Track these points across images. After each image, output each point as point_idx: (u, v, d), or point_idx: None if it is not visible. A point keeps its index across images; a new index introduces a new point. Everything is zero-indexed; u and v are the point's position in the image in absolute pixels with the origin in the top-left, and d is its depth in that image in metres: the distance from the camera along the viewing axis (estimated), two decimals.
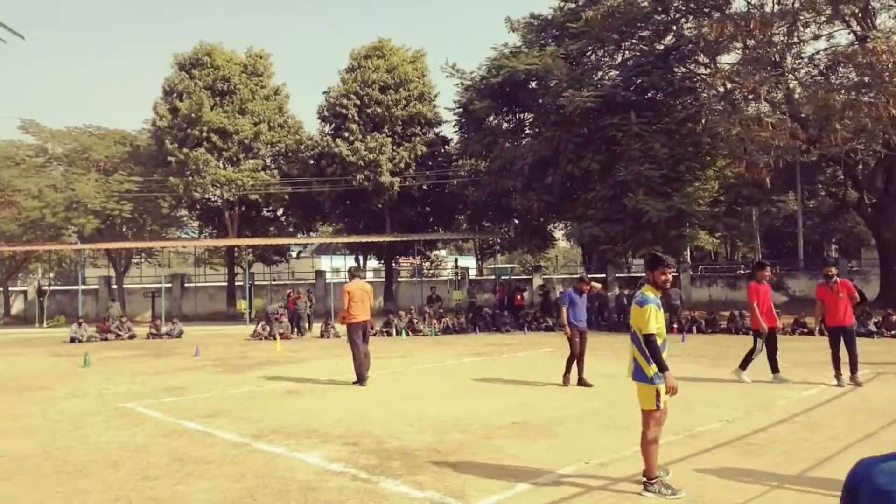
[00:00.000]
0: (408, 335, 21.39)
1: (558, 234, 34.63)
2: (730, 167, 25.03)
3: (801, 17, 21.75)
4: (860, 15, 21.48)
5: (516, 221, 29.31)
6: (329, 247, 48.07)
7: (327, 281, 33.48)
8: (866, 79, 20.51)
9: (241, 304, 29.75)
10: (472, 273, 40.08)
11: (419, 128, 31.18)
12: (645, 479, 5.07)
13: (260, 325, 21.66)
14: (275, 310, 22.38)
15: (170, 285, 33.61)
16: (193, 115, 29.09)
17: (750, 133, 20.93)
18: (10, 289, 35.08)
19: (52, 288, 35.26)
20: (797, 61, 24.19)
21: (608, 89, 23.78)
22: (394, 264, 34.95)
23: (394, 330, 21.79)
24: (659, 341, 5.11)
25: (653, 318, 5.10)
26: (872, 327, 17.33)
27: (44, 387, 11.24)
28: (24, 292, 35.66)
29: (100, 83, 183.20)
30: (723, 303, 26.70)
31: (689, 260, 36.72)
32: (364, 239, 31.36)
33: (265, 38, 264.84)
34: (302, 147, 32.23)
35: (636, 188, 22.00)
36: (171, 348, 18.37)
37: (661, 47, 25.31)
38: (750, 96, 23.58)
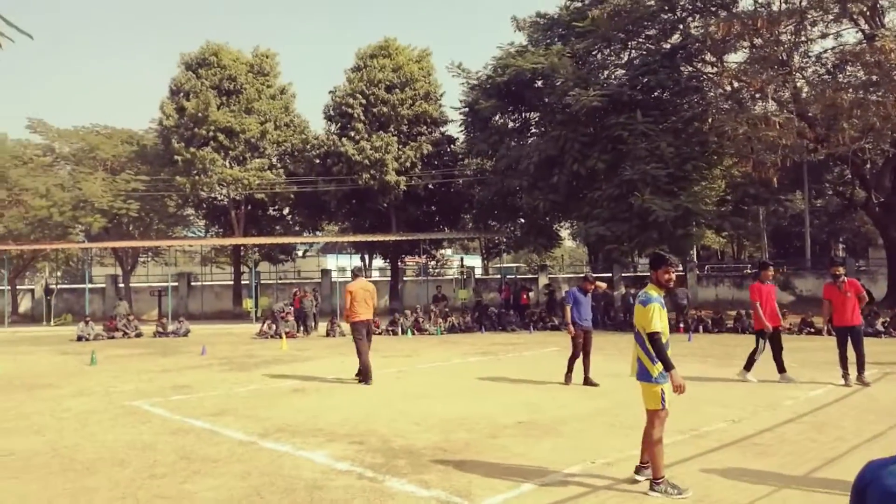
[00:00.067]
0: (413, 334, 21.40)
1: (564, 233, 34.61)
2: (737, 166, 24.94)
3: (809, 16, 21.66)
4: (868, 13, 21.37)
5: (522, 221, 29.31)
6: (335, 246, 48.15)
7: (333, 280, 33.54)
8: (874, 77, 20.41)
9: (248, 303, 29.82)
10: (478, 272, 40.13)
11: (425, 127, 31.20)
12: (651, 479, 5.06)
13: (266, 324, 21.70)
14: (281, 308, 22.43)
15: (176, 284, 33.72)
16: (200, 114, 29.18)
17: (757, 132, 20.87)
18: (17, 287, 35.26)
19: (59, 286, 35.46)
20: (804, 60, 24.10)
21: (614, 88, 23.74)
22: (399, 263, 34.98)
23: (399, 329, 21.80)
24: (663, 340, 5.10)
25: (656, 317, 5.08)
26: (880, 327, 17.24)
27: (51, 385, 11.29)
28: (32, 291, 35.85)
29: (106, 83, 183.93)
30: (729, 302, 26.63)
31: (695, 259, 36.62)
32: (370, 238, 31.40)
33: (271, 37, 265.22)
34: (308, 146, 32.29)
35: (642, 187, 21.95)
36: (177, 347, 18.42)
37: (668, 46, 25.25)
38: (757, 95, 23.51)
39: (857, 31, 22.90)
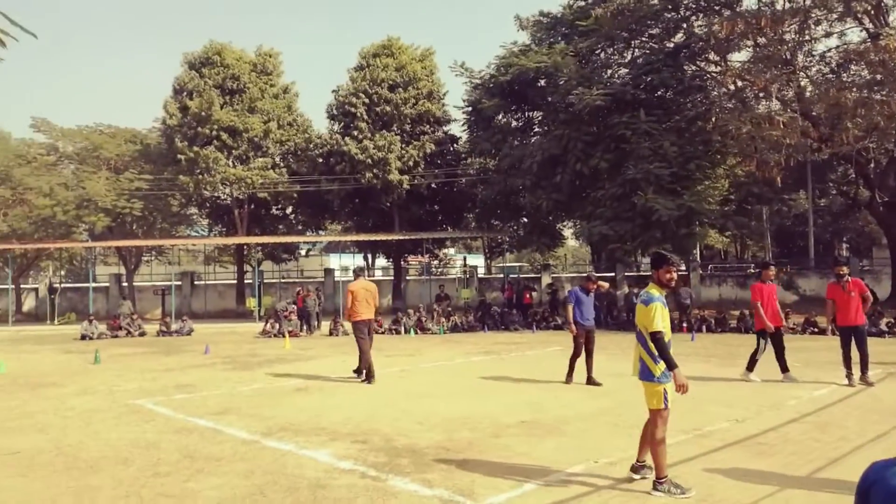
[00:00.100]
0: (416, 333, 21.42)
1: (567, 232, 34.57)
2: (740, 165, 24.90)
3: (813, 15, 21.60)
4: (873, 12, 21.31)
5: (525, 220, 29.27)
6: (338, 245, 48.21)
7: (336, 279, 33.57)
8: (879, 76, 20.36)
9: (251, 302, 29.88)
10: (481, 271, 40.13)
11: (428, 126, 31.18)
12: (655, 479, 5.05)
13: (269, 323, 21.74)
14: (284, 307, 22.47)
15: (180, 283, 33.77)
16: (203, 113, 29.22)
17: (761, 131, 20.82)
18: (21, 286, 35.35)
19: (63, 285, 35.50)
20: (808, 59, 24.05)
21: (618, 87, 23.69)
22: (402, 262, 34.98)
23: (402, 328, 21.83)
24: (665, 339, 5.10)
25: (659, 316, 5.08)
26: (884, 327, 17.21)
27: (55, 384, 11.33)
28: (36, 290, 35.92)
29: (109, 83, 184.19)
30: (732, 302, 26.59)
31: (698, 259, 36.56)
32: (373, 237, 31.41)
33: (274, 37, 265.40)
34: (311, 145, 32.30)
35: (646, 187, 21.92)
36: (181, 346, 18.46)
37: (672, 45, 25.19)
38: (761, 94, 23.47)
39: (861, 30, 22.85)
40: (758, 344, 10.32)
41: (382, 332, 21.61)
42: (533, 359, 14.07)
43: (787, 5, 21.91)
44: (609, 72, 26.87)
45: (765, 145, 21.46)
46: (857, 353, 9.67)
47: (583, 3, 27.00)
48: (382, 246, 34.09)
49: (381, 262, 44.06)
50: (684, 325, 19.96)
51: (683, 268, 29.29)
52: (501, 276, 35.57)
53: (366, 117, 29.64)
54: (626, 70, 26.24)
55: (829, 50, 23.91)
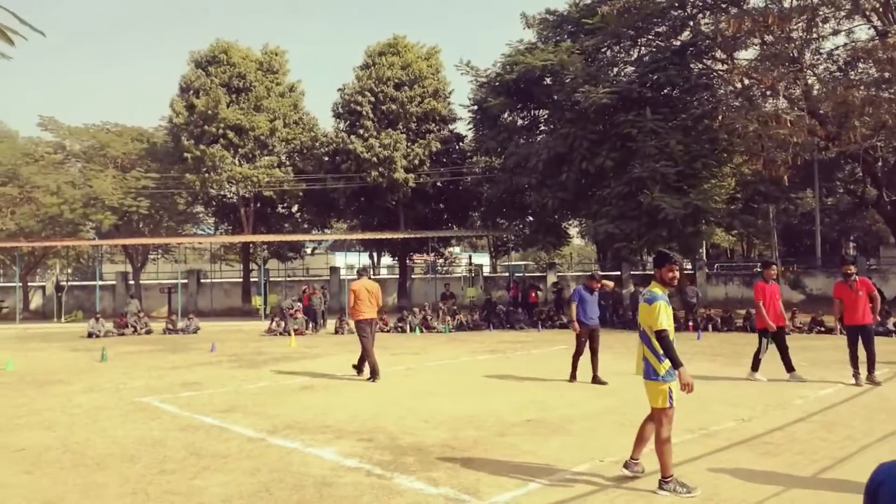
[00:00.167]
0: (422, 332, 21.42)
1: (573, 231, 34.50)
2: (747, 164, 24.79)
3: (820, 12, 21.50)
4: (881, 10, 21.17)
5: (531, 218, 29.24)
6: (343, 243, 48.25)
7: (342, 277, 33.66)
8: (887, 74, 20.26)
9: (257, 301, 29.96)
10: (486, 270, 40.09)
11: (434, 124, 31.19)
12: (660, 478, 5.05)
13: (275, 321, 21.78)
14: (289, 306, 22.51)
15: (186, 281, 33.90)
16: (210, 111, 29.31)
17: (768, 130, 20.73)
18: (29, 284, 35.54)
19: (69, 283, 35.73)
20: (816, 57, 23.92)
21: (624, 85, 23.64)
22: (408, 261, 35.01)
23: (408, 326, 21.84)
24: (670, 337, 5.09)
25: (663, 315, 5.07)
26: (891, 326, 17.11)
27: (62, 381, 11.38)
28: (43, 287, 36.13)
29: (115, 81, 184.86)
30: (739, 301, 26.52)
31: (704, 257, 36.45)
32: (378, 236, 31.44)
33: (280, 35, 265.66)
34: (317, 144, 32.37)
35: (651, 185, 21.86)
36: (187, 344, 18.52)
37: (678, 43, 25.12)
38: (768, 92, 23.36)
39: (869, 28, 22.71)
40: (760, 343, 10.31)
41: (388, 331, 21.64)
42: (538, 357, 14.06)
43: (795, 3, 21.81)
44: (615, 70, 26.81)
45: (772, 144, 21.36)
46: (863, 353, 9.63)
47: (589, 1, 26.92)
48: (388, 244, 34.13)
49: (387, 260, 44.05)
50: (690, 323, 19.92)
51: (690, 266, 29.22)
52: (507, 274, 35.55)
53: (371, 116, 29.67)
54: (633, 68, 26.18)
55: (837, 48, 23.78)
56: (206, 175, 29.55)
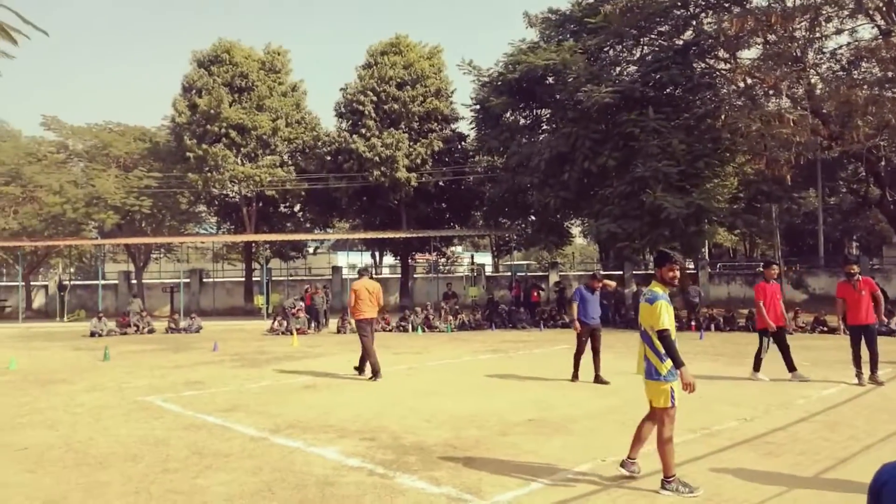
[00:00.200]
0: (424, 331, 21.43)
1: (575, 230, 34.48)
2: (750, 163, 24.74)
3: (824, 12, 21.43)
4: (884, 9, 21.11)
5: (533, 218, 29.23)
6: (345, 243, 48.23)
7: (344, 277, 33.67)
8: (890, 74, 20.21)
9: (259, 300, 29.97)
10: (489, 270, 40.09)
11: (436, 124, 31.18)
12: (663, 477, 5.04)
13: (277, 321, 21.80)
14: (292, 305, 22.52)
15: (188, 280, 33.94)
16: (212, 111, 29.32)
17: (770, 129, 20.69)
18: (31, 283, 35.59)
19: (72, 283, 35.74)
20: (819, 56, 23.86)
21: (626, 85, 23.61)
22: (410, 260, 35.02)
23: (410, 326, 21.85)
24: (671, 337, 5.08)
25: (665, 314, 5.06)
26: (894, 326, 17.08)
27: (65, 380, 11.40)
28: (46, 287, 36.17)
29: (118, 81, 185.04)
30: (741, 300, 26.49)
31: (707, 257, 36.41)
32: (380, 235, 31.45)
33: (282, 35, 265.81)
34: (319, 143, 32.38)
35: (654, 184, 21.82)
36: (189, 343, 18.55)
37: (681, 42, 25.06)
38: (771, 92, 23.31)
39: (872, 27, 22.65)
40: (760, 343, 10.32)
41: (390, 330, 21.65)
42: (540, 357, 14.06)
43: (798, 2, 21.74)
44: (618, 69, 26.77)
45: (774, 143, 21.32)
46: (866, 352, 9.62)
47: (592, 1, 26.88)
48: (390, 244, 34.14)
49: (389, 259, 44.07)
50: (693, 323, 19.90)
51: (692, 266, 29.19)
52: (509, 274, 35.54)
53: (374, 115, 29.67)
54: (635, 67, 26.14)
55: (840, 47, 23.73)
56: (209, 174, 29.57)
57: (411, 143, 29.57)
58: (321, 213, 34.59)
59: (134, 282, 34.19)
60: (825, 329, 18.20)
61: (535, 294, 25.74)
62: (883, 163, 25.25)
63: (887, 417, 7.39)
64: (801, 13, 21.10)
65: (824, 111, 21.94)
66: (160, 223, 33.91)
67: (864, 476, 1.70)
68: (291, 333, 19.74)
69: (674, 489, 4.92)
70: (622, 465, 5.40)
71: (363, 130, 29.42)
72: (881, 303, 9.81)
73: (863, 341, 9.66)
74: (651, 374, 5.14)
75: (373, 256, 43.27)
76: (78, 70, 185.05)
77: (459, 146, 32.61)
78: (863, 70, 22.77)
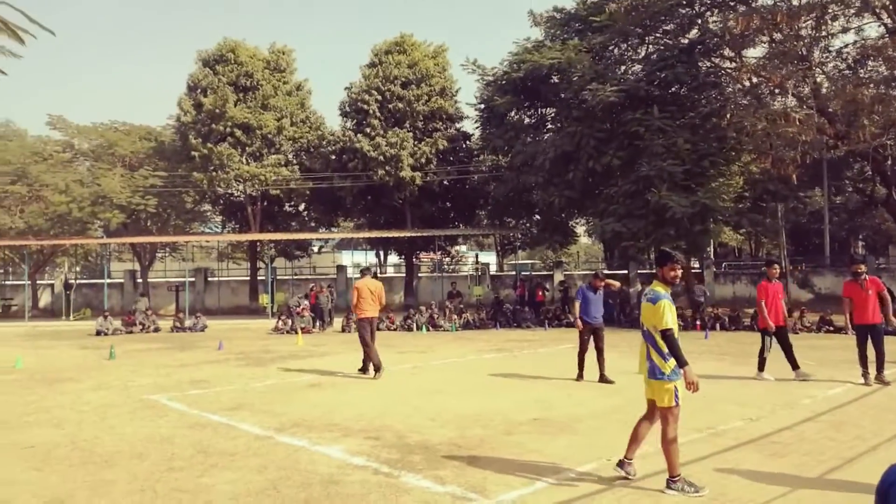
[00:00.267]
0: (428, 330, 21.44)
1: (580, 230, 34.45)
2: (755, 162, 24.64)
3: (830, 10, 21.32)
4: (891, 6, 21.00)
5: (537, 217, 29.18)
6: (350, 242, 48.29)
7: (349, 276, 33.68)
8: None
9: (264, 299, 30.03)
10: (493, 269, 40.06)
11: (440, 123, 31.17)
12: (668, 477, 5.03)
13: (282, 320, 21.84)
14: (296, 304, 22.55)
15: (193, 279, 34.00)
16: (217, 110, 29.37)
17: (776, 128, 20.62)
18: (37, 282, 35.72)
19: (78, 281, 35.88)
20: (825, 55, 23.74)
21: (631, 84, 23.53)
22: (414, 259, 35.02)
23: (414, 325, 21.86)
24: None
25: (668, 314, 5.05)
26: None
27: (71, 379, 11.44)
28: (52, 286, 36.31)
29: (124, 80, 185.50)
30: (746, 300, 26.41)
31: (712, 256, 36.34)
32: (385, 234, 31.46)
33: (287, 34, 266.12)
34: (324, 142, 32.42)
35: (659, 184, 21.76)
36: (194, 342, 18.59)
37: (686, 41, 24.96)
38: (776, 91, 23.22)
39: (879, 25, 22.51)
40: (762, 342, 10.31)
41: (394, 329, 21.66)
42: (545, 356, 14.05)
43: (804, 0, 21.67)
44: (623, 68, 26.68)
45: (780, 142, 21.24)
46: (873, 352, 9.58)
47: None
48: (395, 243, 34.15)
49: (394, 258, 44.07)
50: (698, 322, 19.86)
51: (697, 265, 29.12)
52: (514, 273, 35.54)
53: (378, 114, 29.68)
54: (640, 66, 26.04)
55: (846, 45, 23.59)
56: (214, 173, 29.63)
57: (416, 143, 29.56)
58: (326, 212, 34.62)
59: (139, 281, 34.29)
60: (831, 329, 18.14)
61: (540, 293, 25.72)
62: (889, 162, 25.17)
63: (894, 417, 7.37)
64: (807, 11, 21.01)
65: (830, 110, 21.85)
66: (165, 222, 34.00)
67: (870, 477, 1.70)
68: (296, 332, 19.76)
69: (679, 489, 4.91)
70: (619, 465, 5.39)
71: (368, 129, 29.43)
72: (888, 303, 9.77)
73: (869, 341, 9.63)
74: (654, 373, 5.13)
75: (377, 255, 43.29)
76: (84, 69, 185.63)
77: (464, 145, 32.60)
78: (869, 69, 22.66)
